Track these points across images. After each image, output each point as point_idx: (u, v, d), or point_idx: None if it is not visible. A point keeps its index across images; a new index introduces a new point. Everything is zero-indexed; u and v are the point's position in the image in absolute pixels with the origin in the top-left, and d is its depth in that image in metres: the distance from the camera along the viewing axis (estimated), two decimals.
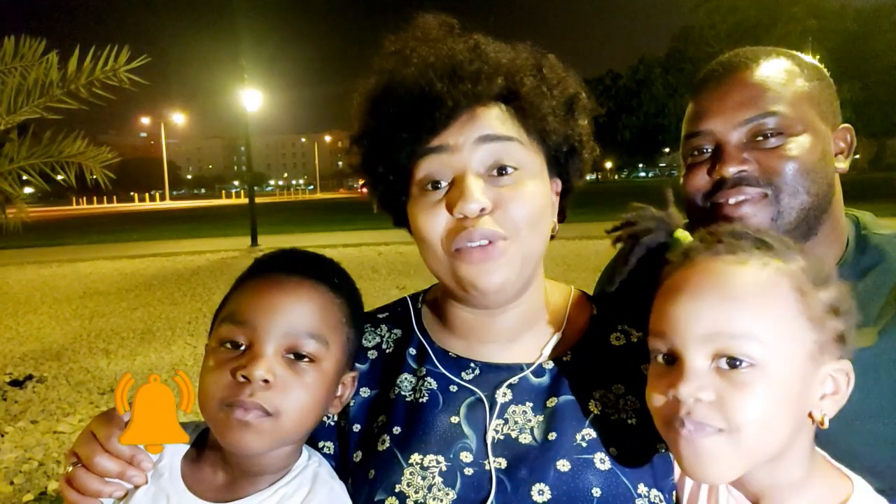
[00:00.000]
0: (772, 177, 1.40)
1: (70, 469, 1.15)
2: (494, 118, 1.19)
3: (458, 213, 1.16)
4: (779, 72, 1.46)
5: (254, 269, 1.25)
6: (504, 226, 1.17)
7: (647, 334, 1.10)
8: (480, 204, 1.15)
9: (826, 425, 1.04)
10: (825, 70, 1.53)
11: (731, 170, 1.41)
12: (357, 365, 1.33)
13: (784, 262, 1.04)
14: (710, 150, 1.47)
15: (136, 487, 1.16)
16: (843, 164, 1.51)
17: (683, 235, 1.20)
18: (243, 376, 1.10)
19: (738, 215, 1.40)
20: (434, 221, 1.19)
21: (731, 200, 1.41)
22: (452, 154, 1.18)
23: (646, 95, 57.13)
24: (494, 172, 1.18)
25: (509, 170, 1.18)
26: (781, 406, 0.99)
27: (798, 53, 1.53)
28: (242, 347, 1.14)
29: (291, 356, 1.15)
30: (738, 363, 0.98)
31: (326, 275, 1.23)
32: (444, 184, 1.19)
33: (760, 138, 1.41)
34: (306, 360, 1.15)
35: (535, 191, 1.20)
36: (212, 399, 1.12)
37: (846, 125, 1.52)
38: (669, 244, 1.21)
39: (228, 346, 1.15)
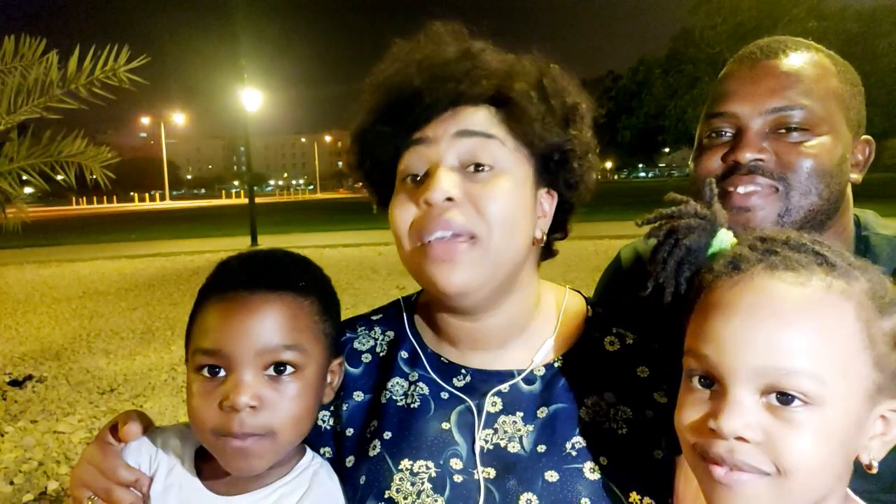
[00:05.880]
0: (786, 171, 1.38)
1: (89, 502, 1.18)
2: (477, 117, 1.19)
3: (423, 200, 1.15)
4: (815, 67, 1.43)
5: (215, 285, 1.19)
6: (472, 221, 1.15)
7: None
8: (445, 192, 1.13)
9: (875, 470, 0.93)
10: (859, 77, 1.50)
11: (747, 156, 1.38)
12: (351, 369, 1.32)
13: (847, 283, 0.93)
14: (729, 134, 1.44)
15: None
16: (856, 176, 1.49)
17: (727, 237, 1.08)
18: (230, 406, 1.10)
19: (746, 205, 1.38)
20: (405, 212, 1.19)
21: (741, 189, 1.39)
22: (430, 146, 1.18)
23: (646, 96, 56.99)
24: (471, 169, 1.17)
25: (485, 167, 1.17)
26: (834, 450, 0.89)
27: (836, 55, 1.49)
28: (222, 373, 1.13)
29: (272, 371, 1.13)
30: (790, 399, 0.88)
31: (289, 280, 1.19)
32: (420, 177, 1.19)
33: (783, 130, 1.39)
34: (289, 370, 1.14)
35: (510, 190, 1.17)
36: (204, 428, 1.12)
37: (868, 137, 1.50)
38: (710, 245, 1.09)
39: (206, 372, 1.14)
